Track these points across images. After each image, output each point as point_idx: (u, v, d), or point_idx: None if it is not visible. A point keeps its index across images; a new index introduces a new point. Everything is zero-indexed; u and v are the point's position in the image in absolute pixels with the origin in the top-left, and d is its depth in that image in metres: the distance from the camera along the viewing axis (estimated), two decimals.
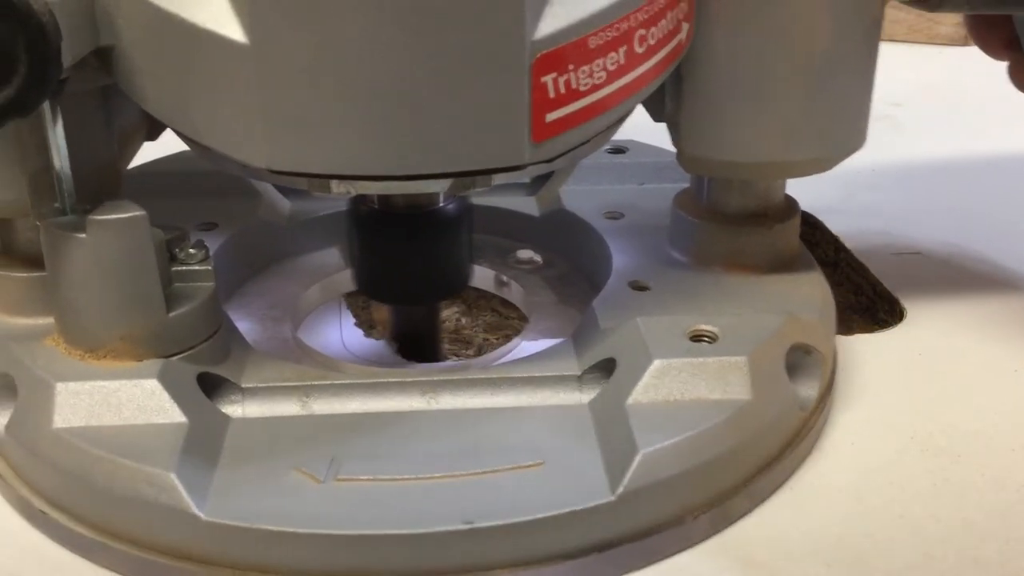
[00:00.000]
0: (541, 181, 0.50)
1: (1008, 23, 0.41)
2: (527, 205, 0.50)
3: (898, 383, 0.41)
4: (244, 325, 0.43)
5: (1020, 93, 0.43)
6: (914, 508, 0.34)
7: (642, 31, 0.32)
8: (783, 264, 0.41)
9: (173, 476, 0.30)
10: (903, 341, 0.44)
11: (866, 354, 0.43)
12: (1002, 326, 0.45)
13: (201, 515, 0.30)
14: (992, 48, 0.43)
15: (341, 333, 0.46)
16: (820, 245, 0.54)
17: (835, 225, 0.54)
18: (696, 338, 0.36)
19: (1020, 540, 0.33)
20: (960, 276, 0.49)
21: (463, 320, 0.49)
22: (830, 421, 0.38)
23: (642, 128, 0.44)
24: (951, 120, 0.68)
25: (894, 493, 0.35)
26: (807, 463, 0.36)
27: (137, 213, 0.33)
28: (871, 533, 0.33)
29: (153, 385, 0.33)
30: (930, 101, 0.70)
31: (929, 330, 0.45)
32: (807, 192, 0.56)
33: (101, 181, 0.38)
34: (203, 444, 0.32)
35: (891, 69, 0.71)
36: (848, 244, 0.52)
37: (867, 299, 0.49)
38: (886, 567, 0.32)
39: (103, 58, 0.33)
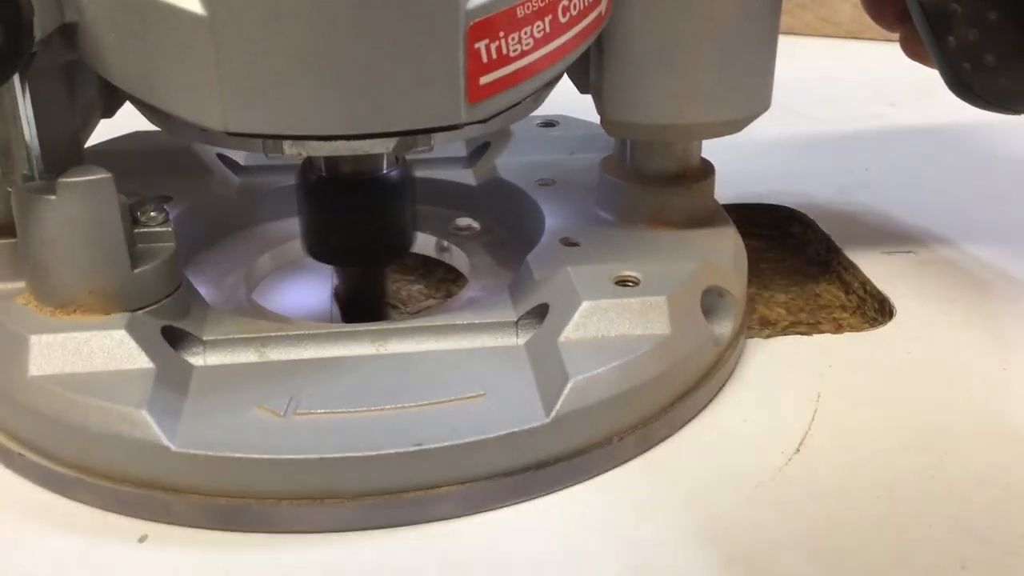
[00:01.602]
0: (478, 154, 0.54)
1: None
2: (465, 176, 0.53)
3: (886, 381, 0.41)
4: (201, 289, 0.45)
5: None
6: (899, 506, 0.35)
7: (565, 2, 0.36)
8: (701, 220, 0.45)
9: (144, 412, 0.33)
10: (892, 339, 0.44)
11: (856, 352, 0.43)
12: (991, 325, 0.45)
13: (172, 446, 0.33)
14: (886, 21, 0.47)
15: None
16: (811, 244, 0.55)
17: (827, 223, 0.55)
18: (621, 283, 0.39)
19: (1004, 538, 0.33)
20: (951, 275, 0.49)
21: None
22: (816, 418, 0.39)
23: (572, 104, 0.47)
24: (944, 119, 0.67)
25: (880, 489, 0.35)
26: (793, 459, 0.37)
27: (104, 175, 0.35)
28: (855, 529, 0.34)
29: (121, 335, 0.35)
30: (924, 100, 0.69)
31: (918, 329, 0.45)
32: (800, 192, 0.58)
33: (65, 152, 0.41)
34: (170, 386, 0.35)
35: (885, 68, 0.72)
36: (839, 243, 0.53)
37: (857, 298, 0.49)
38: (869, 563, 0.32)
39: (68, 34, 0.35)
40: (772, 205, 0.57)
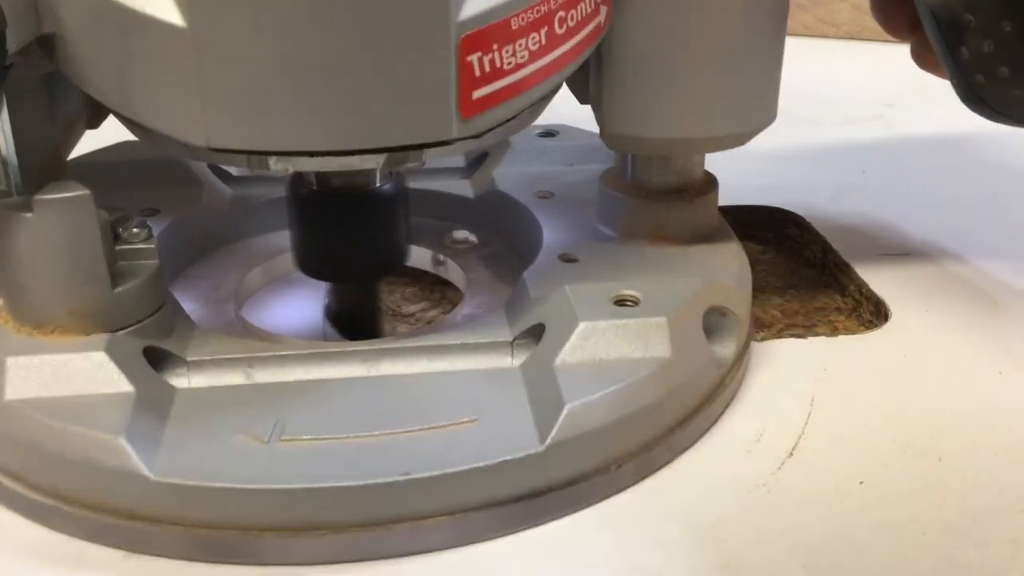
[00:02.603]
0: (475, 164, 0.52)
1: (911, 5, 0.44)
2: (462, 188, 0.52)
3: (881, 384, 0.41)
4: (189, 306, 0.44)
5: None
6: (894, 510, 0.34)
7: (562, 13, 0.34)
8: (704, 236, 0.43)
9: (123, 439, 0.32)
10: (887, 343, 0.44)
11: (850, 355, 0.43)
12: (988, 328, 0.44)
13: (151, 475, 0.32)
14: (897, 30, 0.46)
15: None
16: (808, 246, 0.54)
17: (824, 225, 0.54)
18: (620, 302, 0.38)
19: (999, 544, 0.33)
20: (947, 277, 0.49)
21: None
22: (810, 422, 0.39)
23: (571, 113, 0.46)
24: (942, 120, 0.67)
25: (874, 495, 0.35)
26: (787, 464, 0.36)
27: (82, 192, 0.34)
28: (849, 534, 0.33)
29: (101, 357, 0.34)
30: (921, 101, 0.70)
31: (914, 332, 0.44)
32: (797, 194, 0.57)
33: (45, 167, 0.39)
34: (151, 411, 0.34)
35: (882, 69, 0.72)
36: (836, 245, 0.52)
37: (853, 300, 0.49)
38: (862, 569, 0.32)
39: (46, 45, 0.34)
40: (768, 207, 0.57)
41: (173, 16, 0.31)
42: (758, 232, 0.56)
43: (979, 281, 0.49)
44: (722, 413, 0.39)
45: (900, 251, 0.52)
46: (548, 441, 0.33)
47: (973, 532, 0.34)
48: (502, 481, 0.33)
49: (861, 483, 0.36)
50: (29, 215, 0.34)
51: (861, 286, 0.49)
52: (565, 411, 0.34)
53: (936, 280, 0.49)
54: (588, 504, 0.35)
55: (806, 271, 0.53)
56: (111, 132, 0.44)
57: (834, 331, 0.46)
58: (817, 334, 0.45)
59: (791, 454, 0.37)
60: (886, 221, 0.55)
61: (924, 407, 0.40)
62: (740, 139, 0.41)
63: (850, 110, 0.72)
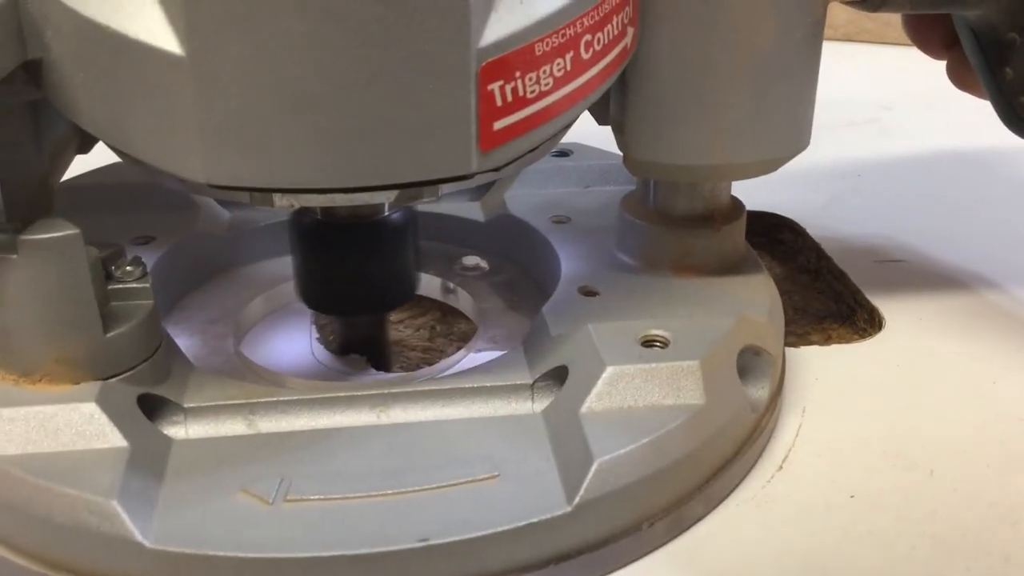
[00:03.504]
0: (486, 186, 0.50)
1: (947, 22, 0.42)
2: (472, 211, 0.49)
3: (874, 394, 0.40)
4: (185, 341, 0.42)
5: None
6: (883, 523, 0.34)
7: (588, 36, 0.32)
8: (731, 266, 0.41)
9: (115, 503, 0.29)
10: (881, 351, 0.43)
11: (843, 364, 0.42)
12: (982, 337, 0.44)
13: (146, 543, 0.29)
14: (931, 48, 0.44)
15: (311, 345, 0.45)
16: (802, 252, 0.54)
17: (819, 231, 0.54)
18: (648, 343, 0.35)
19: (989, 558, 0.33)
20: (942, 285, 0.49)
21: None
22: (801, 433, 0.38)
23: (586, 131, 0.44)
24: (940, 124, 0.67)
25: (864, 507, 0.35)
26: (776, 476, 0.36)
27: (71, 232, 0.31)
28: (838, 548, 0.33)
29: (91, 409, 0.32)
30: (919, 105, 0.70)
31: (908, 340, 0.44)
32: (792, 198, 0.56)
33: (32, 197, 0.37)
34: (145, 468, 0.31)
35: (880, 72, 0.72)
36: (830, 251, 0.52)
37: (847, 307, 0.48)
38: None
39: (32, 71, 0.31)
40: (762, 212, 0.55)
41: (170, 44, 0.28)
42: (751, 237, 0.54)
43: (974, 289, 0.48)
44: (757, 460, 0.36)
45: (895, 257, 0.51)
46: (577, 500, 0.31)
47: (964, 546, 0.33)
48: (527, 545, 0.30)
49: (852, 496, 0.35)
50: (14, 256, 0.31)
51: (855, 293, 0.48)
52: (595, 467, 0.31)
53: (931, 288, 0.48)
54: (618, 566, 0.32)
55: (800, 277, 0.52)
56: (103, 153, 0.42)
57: (827, 339, 0.46)
58: (810, 342, 0.45)
59: (780, 467, 0.36)
60: (881, 227, 0.54)
61: (917, 418, 0.39)
62: (772, 166, 0.39)
63: (847, 113, 0.72)
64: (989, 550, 0.33)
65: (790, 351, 0.43)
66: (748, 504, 0.35)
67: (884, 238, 0.53)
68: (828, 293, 0.50)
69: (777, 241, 0.55)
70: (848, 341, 0.45)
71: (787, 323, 0.45)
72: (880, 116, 0.71)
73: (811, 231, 0.54)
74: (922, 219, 0.55)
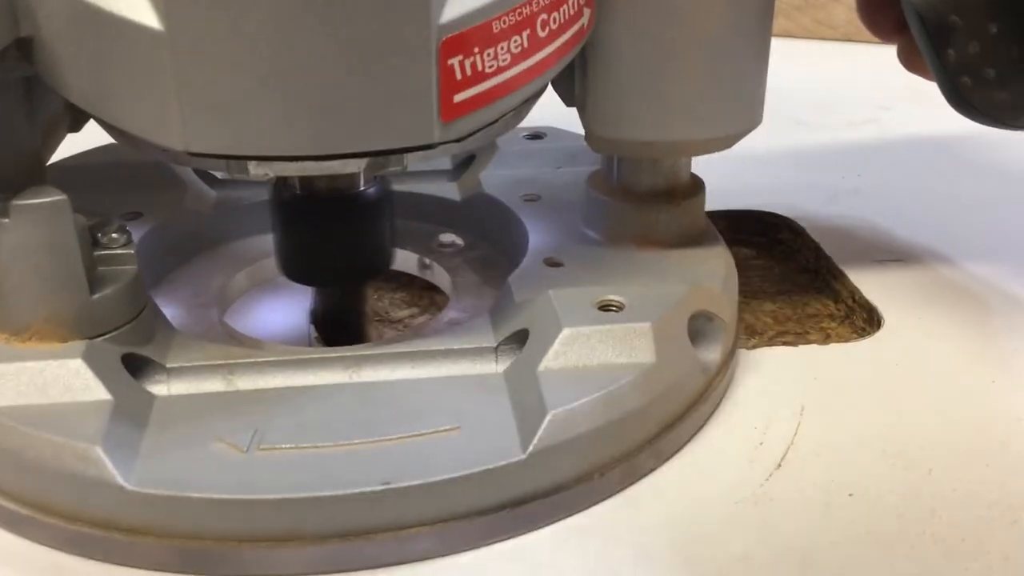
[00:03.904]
0: (462, 167, 0.52)
1: (897, 6, 0.44)
2: (449, 191, 0.51)
3: (872, 394, 0.40)
4: (172, 311, 0.44)
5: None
6: (882, 523, 0.34)
7: (544, 15, 0.34)
8: (691, 239, 0.43)
9: (99, 449, 0.31)
10: (880, 351, 0.43)
11: (841, 364, 0.42)
12: (981, 336, 0.44)
13: (127, 485, 0.31)
14: (882, 31, 0.45)
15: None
16: (801, 251, 0.53)
17: (818, 231, 0.54)
18: (604, 307, 0.37)
19: (988, 558, 0.33)
20: (941, 284, 0.48)
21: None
22: (799, 432, 0.38)
23: (559, 114, 0.46)
24: (938, 124, 0.64)
25: (863, 507, 0.34)
26: (774, 475, 0.36)
27: (59, 197, 0.33)
28: (837, 547, 0.33)
29: (78, 364, 0.34)
30: (918, 104, 0.67)
31: (907, 340, 0.44)
32: (791, 198, 0.56)
33: (24, 172, 0.39)
34: (128, 420, 0.33)
35: (880, 72, 0.71)
36: (829, 250, 0.52)
37: (846, 307, 0.48)
38: None
39: (24, 49, 0.33)
40: (761, 211, 0.56)
41: (150, 19, 0.30)
42: (750, 237, 0.55)
43: (973, 288, 0.48)
44: (708, 419, 0.39)
45: (894, 257, 0.51)
46: (530, 448, 0.33)
47: (963, 545, 0.33)
48: (484, 490, 0.32)
49: (850, 495, 0.35)
50: (5, 220, 0.33)
51: (854, 292, 0.48)
52: (548, 418, 0.33)
53: (930, 287, 0.48)
54: (572, 512, 0.34)
55: (799, 277, 0.52)
56: (92, 135, 0.44)
57: (826, 338, 0.46)
58: (809, 341, 0.45)
59: (779, 465, 0.37)
60: (880, 226, 0.54)
61: (916, 417, 0.39)
62: (726, 142, 0.41)
63: (846, 113, 0.72)
64: (988, 549, 0.33)
65: (789, 350, 0.43)
66: (745, 504, 0.35)
67: (883, 237, 0.53)
68: (827, 292, 0.50)
69: (776, 240, 0.55)
70: (847, 340, 0.45)
71: (785, 322, 0.47)
72: (879, 116, 0.71)
73: (810, 230, 0.54)
74: (921, 219, 0.55)
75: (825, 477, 0.36)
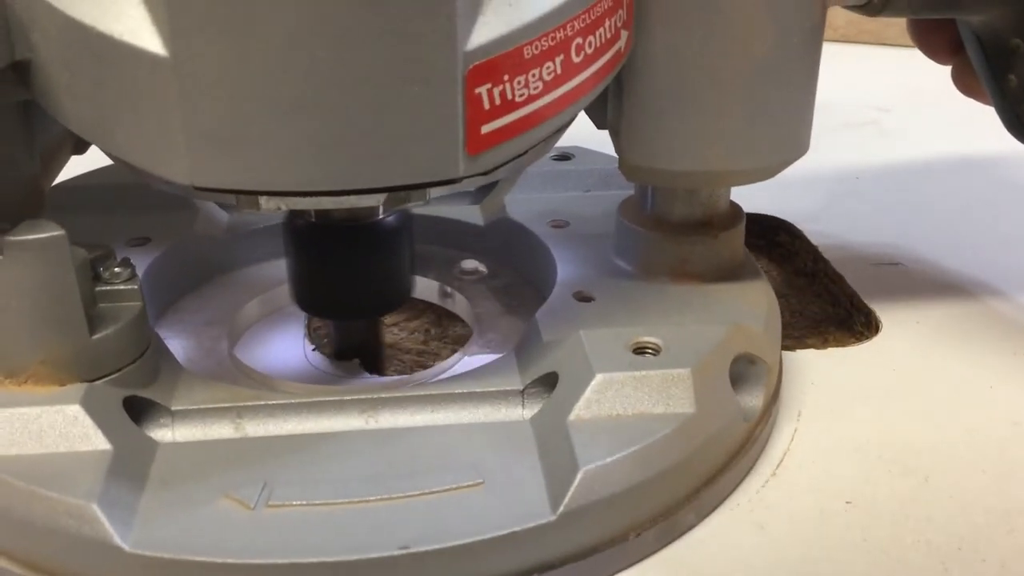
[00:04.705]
0: (486, 190, 0.50)
1: (952, 27, 0.41)
2: (471, 214, 0.49)
3: (869, 399, 0.40)
4: (179, 342, 0.42)
5: None
6: (879, 529, 0.34)
7: (579, 40, 0.32)
8: (729, 272, 0.41)
9: (95, 506, 0.29)
10: (877, 355, 0.43)
11: (840, 368, 0.42)
12: (979, 341, 0.44)
13: (125, 547, 0.29)
14: (936, 53, 0.43)
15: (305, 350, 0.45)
16: (799, 255, 0.53)
17: (816, 234, 0.53)
18: (639, 350, 0.35)
19: (984, 565, 0.32)
20: (939, 289, 0.48)
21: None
22: (796, 437, 0.38)
23: (588, 134, 0.43)
24: (938, 127, 0.66)
25: (859, 514, 0.34)
26: (771, 481, 0.36)
27: (55, 233, 0.31)
28: (834, 554, 0.32)
29: (76, 411, 0.32)
30: (918, 107, 0.69)
31: (904, 344, 0.44)
32: (789, 201, 0.56)
33: (23, 199, 0.37)
34: (128, 471, 0.31)
35: (880, 73, 0.71)
36: (827, 254, 0.51)
37: (844, 311, 0.48)
38: None
39: (20, 72, 0.31)
40: (759, 214, 0.55)
41: (153, 44, 0.28)
42: (749, 240, 0.54)
43: (971, 293, 0.48)
44: (750, 470, 0.36)
45: (892, 261, 0.51)
46: (561, 509, 0.30)
47: (960, 554, 0.32)
48: (510, 554, 0.30)
49: (847, 502, 0.35)
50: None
51: (852, 296, 0.48)
52: (580, 475, 0.31)
53: (928, 292, 0.48)
54: (606, 575, 0.32)
55: (797, 280, 0.52)
56: (99, 154, 0.42)
57: (824, 343, 0.45)
58: (807, 346, 0.45)
59: (775, 472, 0.36)
60: (879, 230, 0.54)
61: (912, 424, 0.39)
62: (768, 172, 0.38)
63: (845, 115, 0.71)
64: (985, 556, 0.32)
65: (786, 355, 0.42)
66: (742, 509, 0.34)
67: (882, 241, 0.53)
68: (825, 296, 0.50)
69: (774, 244, 0.55)
70: (845, 345, 0.45)
71: (784, 326, 0.45)
72: (879, 118, 0.71)
73: (808, 234, 0.54)
74: (920, 222, 0.55)
75: (822, 483, 0.36)
